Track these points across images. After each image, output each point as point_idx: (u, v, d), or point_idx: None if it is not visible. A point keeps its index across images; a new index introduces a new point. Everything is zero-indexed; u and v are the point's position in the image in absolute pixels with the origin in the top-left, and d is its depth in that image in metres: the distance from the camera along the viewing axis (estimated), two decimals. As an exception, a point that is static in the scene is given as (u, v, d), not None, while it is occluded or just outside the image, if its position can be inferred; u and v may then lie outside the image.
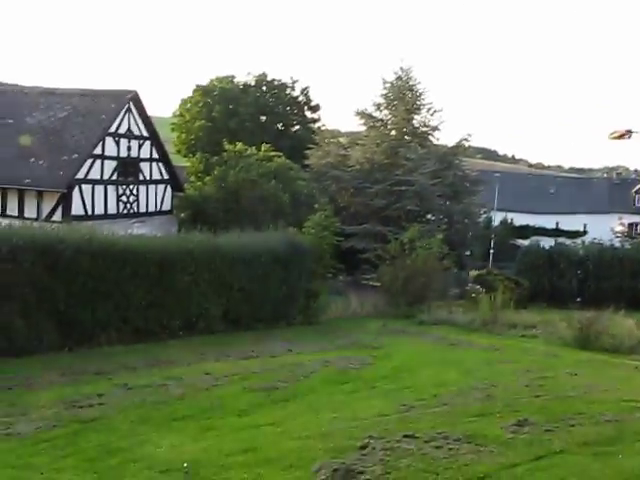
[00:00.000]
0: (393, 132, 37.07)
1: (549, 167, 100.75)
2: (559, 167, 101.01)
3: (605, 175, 71.20)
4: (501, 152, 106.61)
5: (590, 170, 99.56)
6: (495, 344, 18.73)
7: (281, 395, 11.94)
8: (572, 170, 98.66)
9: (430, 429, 9.13)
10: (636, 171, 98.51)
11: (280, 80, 43.76)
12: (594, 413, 10.10)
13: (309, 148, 36.80)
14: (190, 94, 41.90)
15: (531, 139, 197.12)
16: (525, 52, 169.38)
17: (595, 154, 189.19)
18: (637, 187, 55.60)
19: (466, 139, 38.61)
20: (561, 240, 46.16)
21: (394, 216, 34.12)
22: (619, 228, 48.75)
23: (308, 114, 44.72)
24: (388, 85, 37.11)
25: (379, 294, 27.11)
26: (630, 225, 49.88)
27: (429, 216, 35.81)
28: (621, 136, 21.41)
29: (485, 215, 40.99)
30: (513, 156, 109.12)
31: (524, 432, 9.04)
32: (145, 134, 27.45)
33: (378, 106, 36.99)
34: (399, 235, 28.95)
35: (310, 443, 8.63)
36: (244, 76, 43.74)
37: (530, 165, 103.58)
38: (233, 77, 42.55)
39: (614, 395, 11.59)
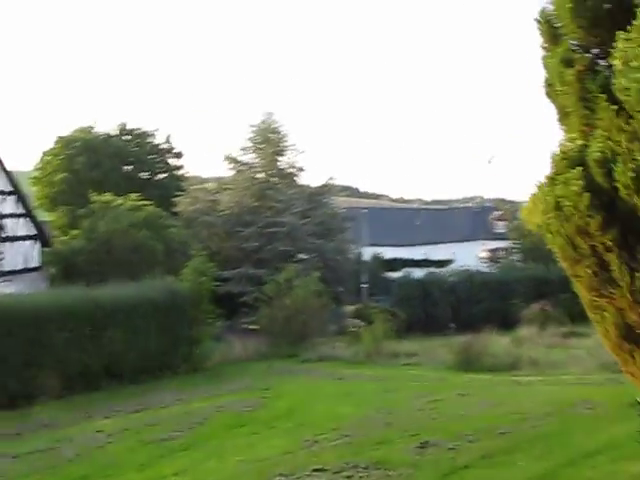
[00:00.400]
0: (260, 175, 37.39)
1: (410, 201, 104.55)
2: (420, 200, 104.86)
3: (469, 204, 74.62)
4: (362, 189, 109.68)
5: (450, 201, 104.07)
6: (382, 374, 19.16)
7: (180, 445, 11.71)
8: (433, 202, 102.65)
9: (337, 460, 9.23)
10: (490, 200, 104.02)
11: (141, 129, 43.28)
12: (489, 428, 10.53)
13: (176, 196, 36.44)
14: (51, 146, 40.62)
15: (390, 174, 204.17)
16: (365, 87, 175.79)
17: (453, 185, 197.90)
18: (494, 214, 58.64)
19: (332, 178, 39.57)
20: (431, 270, 48.01)
21: (267, 258, 34.23)
22: (483, 254, 51.08)
23: (172, 161, 44.34)
24: (253, 129, 37.50)
25: (260, 336, 27.01)
26: (492, 250, 52.35)
27: (301, 255, 36.15)
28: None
29: (356, 251, 41.89)
30: (374, 193, 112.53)
31: (428, 453, 9.32)
32: (7, 189, 26.31)
33: (245, 150, 37.28)
34: (274, 276, 29.13)
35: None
36: (104, 126, 42.99)
37: (392, 200, 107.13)
38: (91, 128, 41.70)
39: (503, 410, 12.13)
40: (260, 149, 37.22)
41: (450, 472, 8.29)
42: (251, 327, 29.98)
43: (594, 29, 4.37)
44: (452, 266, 46.07)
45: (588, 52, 4.46)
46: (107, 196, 28.78)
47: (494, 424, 10.83)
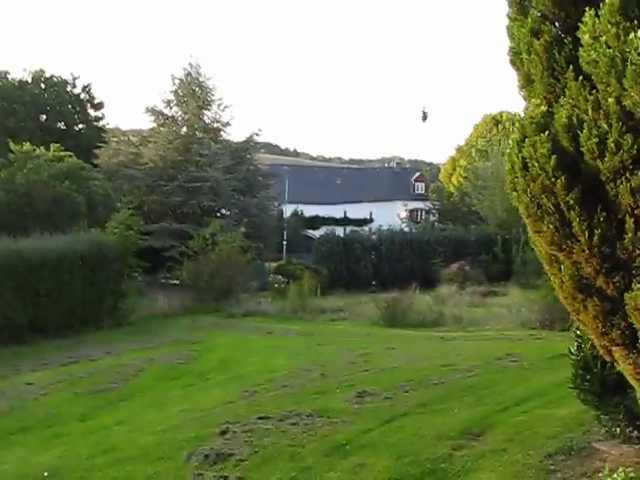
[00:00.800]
0: (185, 129, 36.99)
1: (330, 159, 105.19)
2: (339, 159, 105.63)
3: (386, 165, 75.69)
4: (283, 146, 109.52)
5: (369, 161, 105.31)
6: (310, 329, 19.58)
7: (117, 396, 11.86)
8: (352, 162, 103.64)
9: (279, 409, 9.54)
10: (410, 161, 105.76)
11: (60, 77, 41.84)
12: (421, 379, 11.06)
13: (97, 147, 35.71)
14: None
15: (310, 133, 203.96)
16: (291, 45, 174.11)
17: (372, 145, 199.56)
18: (415, 175, 59.79)
19: (257, 134, 39.50)
20: (351, 228, 48.84)
21: (190, 212, 34.18)
22: (403, 214, 52.23)
23: (92, 112, 43.16)
24: (177, 81, 36.93)
25: (184, 291, 27.04)
26: (412, 211, 53.59)
27: (224, 211, 36.20)
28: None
29: (278, 208, 42.15)
30: (295, 150, 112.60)
31: (367, 402, 9.75)
32: None
33: (168, 103, 36.70)
34: (197, 231, 29.16)
35: (168, 436, 8.72)
36: (20, 72, 41.39)
37: (312, 158, 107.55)
38: (7, 73, 40.10)
39: (433, 362, 12.71)
40: (184, 102, 36.75)
41: (390, 419, 8.72)
42: (174, 282, 29.95)
43: (561, 4, 4.70)
44: (372, 225, 47.09)
45: (554, 25, 4.79)
46: (27, 146, 27.91)
47: (426, 375, 11.36)
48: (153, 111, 36.51)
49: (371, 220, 52.15)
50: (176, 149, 35.38)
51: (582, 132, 4.27)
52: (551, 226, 4.49)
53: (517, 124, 4.82)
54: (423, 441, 7.54)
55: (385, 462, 6.98)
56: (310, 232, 49.93)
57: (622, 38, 4.04)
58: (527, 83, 5.01)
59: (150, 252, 30.20)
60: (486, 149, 42.71)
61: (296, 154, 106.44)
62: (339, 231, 42.55)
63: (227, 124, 37.99)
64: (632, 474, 5.50)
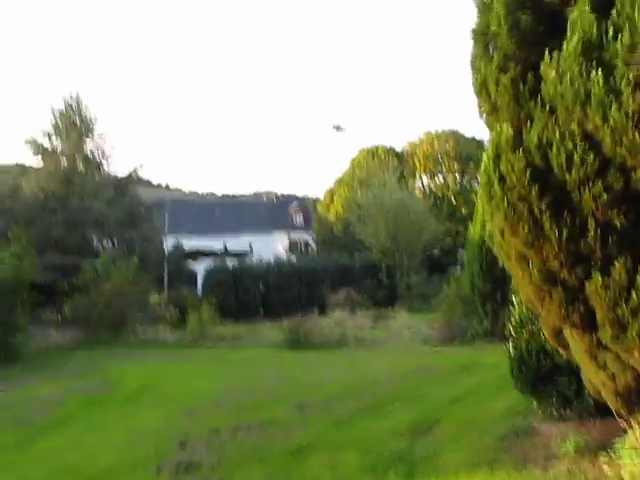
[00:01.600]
0: (66, 161, 36.39)
1: (203, 195, 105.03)
2: (212, 194, 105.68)
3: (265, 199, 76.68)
4: (155, 182, 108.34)
5: (242, 196, 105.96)
6: (217, 355, 19.95)
7: (49, 423, 11.82)
8: (225, 197, 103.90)
9: (227, 423, 10.05)
10: (283, 195, 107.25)
11: None
12: (349, 391, 11.88)
13: (-28, 180, 34.58)
14: None
15: (181, 168, 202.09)
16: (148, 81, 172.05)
17: (244, 181, 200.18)
18: (294, 207, 61.06)
19: (138, 166, 39.48)
20: (230, 260, 49.18)
21: (75, 245, 33.61)
22: (284, 245, 53.26)
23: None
24: (57, 113, 36.39)
25: (75, 324, 26.62)
26: (292, 242, 54.69)
27: (109, 243, 35.85)
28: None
29: (159, 240, 42.15)
30: (167, 186, 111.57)
31: (308, 412, 10.42)
32: None
33: (48, 134, 36.05)
34: (82, 264, 28.86)
35: (126, 453, 9.01)
36: None
37: (185, 194, 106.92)
38: None
39: (353, 376, 13.57)
40: (65, 134, 36.22)
41: (339, 423, 9.45)
42: (62, 316, 29.35)
43: (523, 46, 5.71)
44: (252, 257, 47.75)
45: (516, 63, 5.78)
46: None
47: (352, 388, 12.18)
48: (33, 143, 35.74)
49: (251, 252, 52.77)
50: (58, 181, 34.75)
51: (551, 150, 5.25)
52: (525, 228, 5.43)
53: (490, 144, 5.76)
54: (380, 438, 8.31)
55: (353, 457, 7.68)
56: (192, 263, 49.96)
57: (584, 75, 5.07)
58: (493, 111, 5.99)
59: (35, 286, 29.45)
60: (366, 180, 44.56)
61: (169, 189, 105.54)
62: (217, 263, 42.79)
63: (108, 156, 37.68)
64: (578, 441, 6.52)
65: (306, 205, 62.23)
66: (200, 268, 43.60)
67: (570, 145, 5.18)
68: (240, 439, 9.06)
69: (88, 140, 36.96)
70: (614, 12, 4.99)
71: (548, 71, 5.33)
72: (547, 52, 5.39)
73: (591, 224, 5.21)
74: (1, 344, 21.65)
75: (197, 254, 53.10)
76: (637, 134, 4.80)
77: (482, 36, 5.99)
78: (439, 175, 54.86)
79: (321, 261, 37.37)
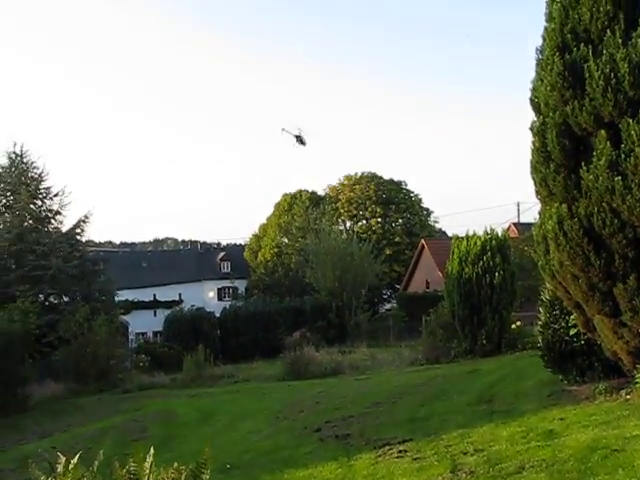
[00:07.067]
0: (18, 218, 39.56)
1: (101, 244, 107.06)
2: (110, 243, 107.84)
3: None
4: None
5: (142, 243, 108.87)
6: (228, 390, 24.11)
7: (155, 441, 16.01)
8: (123, 245, 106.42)
9: (332, 417, 14.53)
10: (183, 241, 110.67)
11: None
12: (388, 396, 16.58)
13: None
14: None
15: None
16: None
17: (141, 227, 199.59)
18: (220, 255, 65.38)
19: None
20: (160, 310, 53.09)
21: (34, 302, 36.80)
22: (211, 293, 57.51)
23: None
24: (3, 171, 39.74)
25: (67, 372, 29.88)
26: (220, 289, 59.03)
27: (66, 298, 39.18)
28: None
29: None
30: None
31: (385, 405, 15.15)
32: None
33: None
34: (41, 321, 31.87)
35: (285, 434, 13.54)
36: None
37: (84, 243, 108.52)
38: None
39: (375, 390, 18.28)
40: (15, 191, 39.49)
41: (420, 405, 14.23)
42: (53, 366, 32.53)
43: (568, 158, 10.89)
44: (183, 306, 51.76)
45: (565, 168, 10.94)
46: None
47: (396, 392, 16.62)
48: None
49: (181, 301, 56.66)
50: (12, 239, 38.00)
51: (593, 218, 10.45)
52: (579, 260, 10.59)
53: (553, 215, 10.90)
54: (460, 406, 13.22)
55: (453, 414, 12.55)
56: (122, 318, 53.18)
57: (609, 178, 10.31)
58: (550, 195, 11.18)
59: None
60: (304, 226, 49.77)
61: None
62: (149, 314, 46.87)
63: (57, 212, 41.10)
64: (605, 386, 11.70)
65: (231, 253, 66.67)
66: (135, 321, 47.25)
67: (603, 215, 10.39)
68: (359, 422, 13.63)
69: (37, 197, 40.37)
70: (625, 146, 10.24)
71: (586, 175, 10.55)
72: (583, 163, 10.63)
73: (616, 257, 10.42)
74: (12, 396, 25.09)
75: (127, 306, 56.51)
76: (642, 210, 10.07)
77: (539, 151, 11.19)
78: (362, 219, 60.85)
79: (274, 305, 41.99)
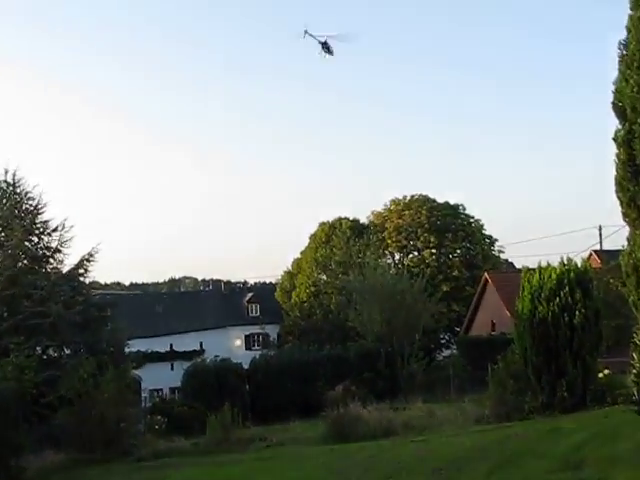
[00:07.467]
0: (11, 257, 39.93)
1: (108, 285, 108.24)
2: (118, 284, 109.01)
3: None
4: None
5: (156, 284, 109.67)
6: (263, 456, 23.98)
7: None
8: (134, 286, 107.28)
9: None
10: (204, 280, 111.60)
11: None
12: (458, 460, 16.38)
13: None
14: None
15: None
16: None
17: (157, 268, 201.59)
18: (248, 296, 65.48)
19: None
20: (178, 362, 53.17)
21: (31, 355, 37.00)
22: (238, 341, 57.52)
23: None
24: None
25: (70, 437, 29.83)
26: (248, 337, 59.02)
27: (68, 351, 39.36)
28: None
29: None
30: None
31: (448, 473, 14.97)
32: None
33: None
34: (40, 376, 32.03)
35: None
36: None
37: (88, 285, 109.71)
38: None
39: (442, 453, 18.07)
40: (7, 226, 39.93)
41: (491, 471, 14.03)
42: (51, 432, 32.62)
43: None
44: (205, 357, 51.78)
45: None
46: None
47: (447, 461, 16.28)
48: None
49: (202, 351, 56.69)
50: (5, 282, 38.37)
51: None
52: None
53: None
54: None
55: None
56: (134, 373, 53.33)
57: None
58: (639, 216, 11.00)
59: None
60: (345, 260, 49.67)
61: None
62: (165, 367, 46.91)
63: (57, 250, 41.44)
64: None
65: (261, 294, 66.70)
66: (150, 376, 47.31)
67: None
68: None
69: (34, 233, 40.77)
70: None
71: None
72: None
73: None
74: (4, 468, 25.01)
75: (139, 359, 56.69)
76: None
77: (625, 164, 11.05)
78: (413, 250, 60.57)
79: (312, 354, 41.84)
